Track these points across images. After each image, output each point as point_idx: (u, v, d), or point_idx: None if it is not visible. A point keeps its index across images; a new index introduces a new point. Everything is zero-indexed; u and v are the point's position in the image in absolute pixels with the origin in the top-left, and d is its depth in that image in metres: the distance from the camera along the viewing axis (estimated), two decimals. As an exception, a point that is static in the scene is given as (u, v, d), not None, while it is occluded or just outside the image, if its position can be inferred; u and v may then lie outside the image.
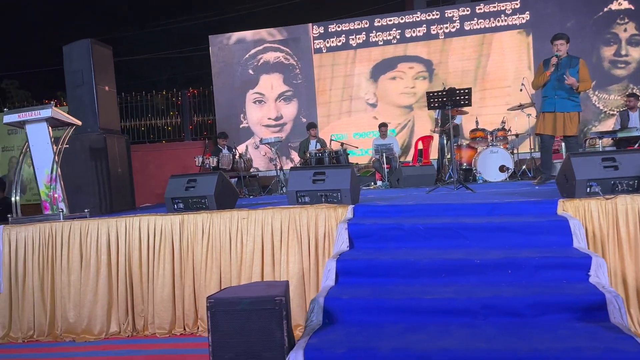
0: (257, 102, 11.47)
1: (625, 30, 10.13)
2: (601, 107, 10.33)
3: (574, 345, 2.54)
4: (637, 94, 8.77)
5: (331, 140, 9.10)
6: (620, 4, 10.10)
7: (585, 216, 3.87)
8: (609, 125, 9.69)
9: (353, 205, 4.36)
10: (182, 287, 4.54)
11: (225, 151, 9.43)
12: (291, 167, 7.15)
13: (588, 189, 4.08)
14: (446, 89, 6.00)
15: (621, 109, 9.17)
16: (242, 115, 11.55)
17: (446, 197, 5.17)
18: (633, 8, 10.02)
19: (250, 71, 11.46)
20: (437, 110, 8.73)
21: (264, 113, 11.45)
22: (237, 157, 8.92)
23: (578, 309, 2.87)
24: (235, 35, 11.58)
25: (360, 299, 3.12)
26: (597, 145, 8.07)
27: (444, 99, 5.75)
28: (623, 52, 10.17)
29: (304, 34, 11.28)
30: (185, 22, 18.43)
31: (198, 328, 4.45)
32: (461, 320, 2.91)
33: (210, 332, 2.74)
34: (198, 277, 4.52)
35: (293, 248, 4.39)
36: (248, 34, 11.50)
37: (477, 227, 3.76)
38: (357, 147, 9.64)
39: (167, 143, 12.25)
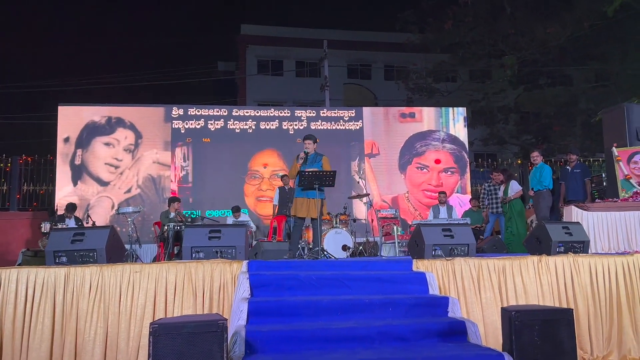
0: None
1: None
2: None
3: (451, 354, 3.34)
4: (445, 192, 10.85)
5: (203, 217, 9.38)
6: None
7: (432, 272, 4.89)
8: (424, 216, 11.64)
9: (247, 261, 4.78)
10: (62, 344, 4.31)
11: (69, 222, 8.94)
12: (187, 224, 7.30)
13: (433, 251, 5.20)
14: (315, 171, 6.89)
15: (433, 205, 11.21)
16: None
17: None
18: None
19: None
20: (277, 196, 9.78)
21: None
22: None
23: (447, 333, 3.72)
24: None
25: (278, 332, 3.55)
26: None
27: (313, 178, 6.62)
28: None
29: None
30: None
31: (77, 387, 4.24)
32: (363, 345, 3.53)
33: (151, 357, 2.89)
34: (81, 333, 4.36)
35: (188, 301, 4.56)
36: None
37: (357, 277, 4.52)
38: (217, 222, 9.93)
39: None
